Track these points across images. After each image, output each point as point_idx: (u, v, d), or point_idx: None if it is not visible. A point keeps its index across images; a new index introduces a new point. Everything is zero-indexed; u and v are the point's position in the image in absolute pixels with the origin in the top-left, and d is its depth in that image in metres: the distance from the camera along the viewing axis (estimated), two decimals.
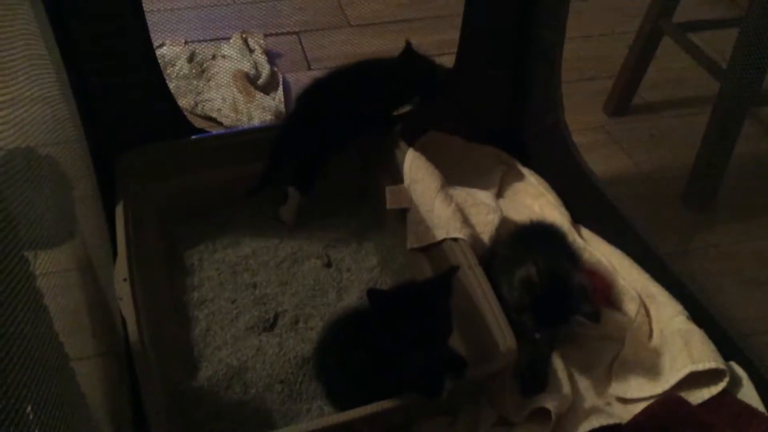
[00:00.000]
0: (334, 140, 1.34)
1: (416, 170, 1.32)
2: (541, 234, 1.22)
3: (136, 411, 0.98)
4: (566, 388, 1.08)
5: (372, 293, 0.92)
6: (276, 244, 1.36)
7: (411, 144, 1.37)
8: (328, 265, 1.33)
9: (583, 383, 1.12)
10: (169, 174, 1.36)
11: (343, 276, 1.31)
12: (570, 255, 1.17)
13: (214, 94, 1.80)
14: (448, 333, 0.95)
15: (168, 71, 1.87)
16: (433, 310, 0.94)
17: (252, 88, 1.82)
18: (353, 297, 1.26)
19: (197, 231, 1.37)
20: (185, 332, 1.20)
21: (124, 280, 1.10)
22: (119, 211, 1.22)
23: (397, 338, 0.92)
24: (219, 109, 1.77)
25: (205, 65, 1.91)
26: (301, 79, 1.95)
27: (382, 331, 0.93)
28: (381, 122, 1.38)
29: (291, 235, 1.37)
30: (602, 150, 1.78)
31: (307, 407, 1.09)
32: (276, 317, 1.22)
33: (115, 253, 1.16)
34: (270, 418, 1.07)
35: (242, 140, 1.42)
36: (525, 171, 1.54)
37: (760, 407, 1.06)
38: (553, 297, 1.02)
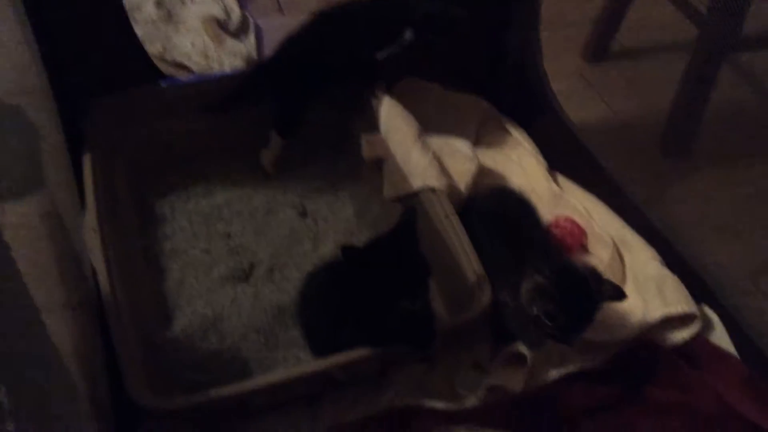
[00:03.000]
0: (316, 84, 1.31)
1: (393, 118, 1.30)
2: (508, 210, 1.18)
3: (110, 362, 0.97)
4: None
5: (346, 250, 0.91)
6: (250, 193, 1.33)
7: (387, 91, 1.35)
8: (304, 214, 1.31)
9: None
10: (138, 123, 1.32)
11: (318, 226, 1.30)
12: (538, 227, 1.16)
13: (183, 40, 1.75)
14: (428, 278, 0.95)
15: (135, 16, 1.80)
16: (408, 258, 0.94)
17: (222, 33, 1.77)
18: (329, 247, 1.25)
19: (168, 180, 1.34)
20: (158, 283, 1.18)
21: (94, 230, 1.08)
22: (87, 160, 1.19)
23: (380, 292, 0.92)
24: (189, 55, 1.72)
25: (173, 9, 1.84)
26: (273, 24, 1.90)
27: (364, 286, 0.93)
28: (365, 66, 1.34)
29: (265, 185, 1.35)
30: (580, 97, 1.77)
31: (283, 355, 1.09)
32: (251, 267, 1.21)
33: (83, 204, 1.13)
34: (246, 367, 1.07)
35: (213, 87, 1.37)
36: (503, 119, 1.53)
37: (732, 350, 1.08)
38: (576, 299, 0.95)
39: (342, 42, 1.28)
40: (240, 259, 1.22)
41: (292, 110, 1.33)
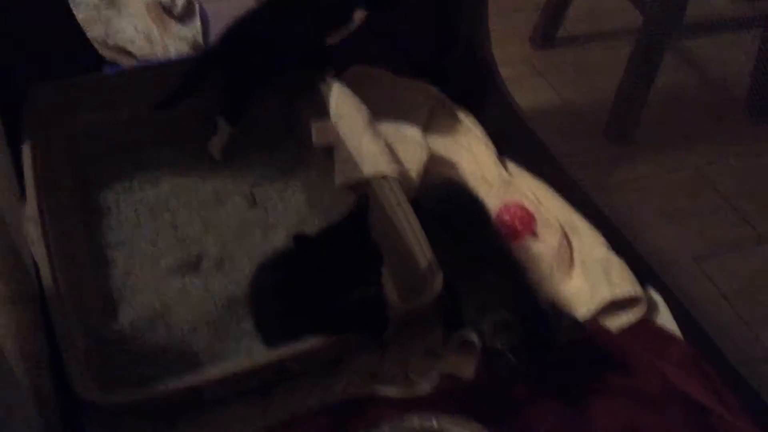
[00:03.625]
0: (265, 70, 1.29)
1: (343, 105, 1.29)
2: (456, 206, 1.18)
3: (55, 358, 0.95)
4: None
5: (298, 239, 0.90)
6: (197, 183, 1.31)
7: (337, 77, 1.33)
8: (254, 204, 1.29)
9: None
10: (80, 110, 1.28)
11: (269, 215, 1.28)
12: (485, 220, 1.17)
13: (126, 24, 1.69)
14: (381, 265, 0.95)
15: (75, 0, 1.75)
16: (361, 245, 0.94)
17: (167, 18, 1.72)
18: (280, 237, 1.23)
19: (112, 170, 1.30)
20: (104, 275, 1.15)
21: (35, 222, 1.05)
22: (26, 149, 1.15)
23: (332, 280, 0.92)
24: (132, 41, 1.66)
25: None
26: (220, 9, 1.86)
27: (316, 275, 0.92)
28: (315, 51, 1.33)
29: (213, 174, 1.33)
30: (528, 83, 1.79)
31: (234, 348, 1.07)
32: (200, 258, 1.19)
33: (23, 195, 1.09)
34: (197, 359, 1.05)
35: (158, 73, 1.34)
36: (453, 106, 1.53)
37: (677, 332, 1.11)
38: (539, 337, 0.98)
39: (291, 26, 1.26)
40: (188, 250, 1.19)
41: (241, 96, 1.30)
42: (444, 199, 1.20)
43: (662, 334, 1.11)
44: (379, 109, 1.34)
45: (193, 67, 1.29)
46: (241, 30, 1.28)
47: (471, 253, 1.08)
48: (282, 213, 1.28)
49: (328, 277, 0.92)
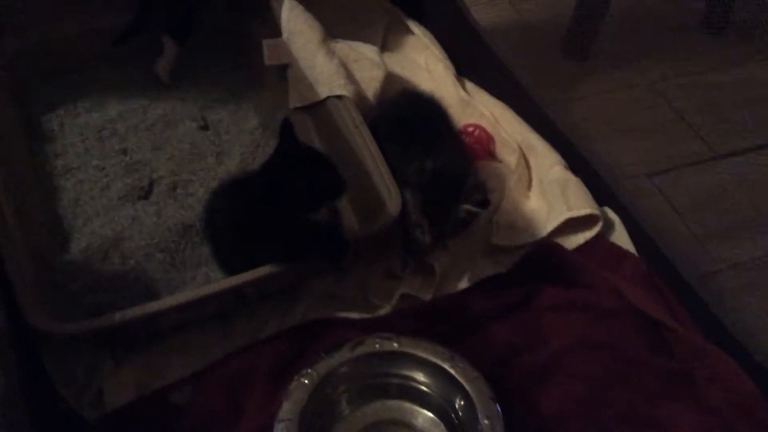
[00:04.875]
0: None
1: (294, 22, 1.25)
2: (422, 112, 1.17)
3: (5, 288, 0.92)
4: (449, 243, 1.10)
5: (285, 122, 0.91)
6: (145, 105, 1.26)
7: None
8: (205, 127, 1.25)
9: (466, 236, 1.14)
10: (18, 27, 1.22)
11: (221, 138, 1.24)
12: (451, 134, 1.15)
13: None
14: (340, 187, 0.94)
15: None
16: (325, 167, 0.93)
17: None
18: (234, 161, 1.20)
19: (55, 92, 1.25)
20: (52, 204, 1.12)
21: None
22: None
23: (292, 205, 0.91)
24: None
25: None
26: None
27: (274, 200, 0.91)
28: None
29: (162, 96, 1.28)
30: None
31: (191, 275, 1.06)
32: (151, 184, 1.15)
33: None
34: (153, 287, 1.04)
35: None
36: (409, 22, 1.49)
37: (631, 248, 1.13)
38: (439, 187, 0.99)
39: None
40: (139, 176, 1.16)
41: (186, 12, 1.24)
42: (406, 104, 1.18)
43: (616, 250, 1.13)
44: (333, 27, 1.30)
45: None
46: None
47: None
48: (235, 136, 1.25)
49: (286, 202, 0.91)
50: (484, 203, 0.99)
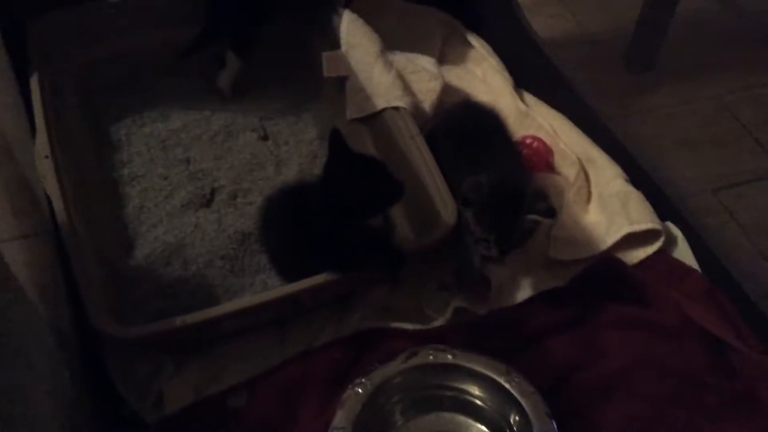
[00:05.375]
0: (277, 1, 1.26)
1: (353, 34, 1.26)
2: (479, 124, 1.16)
3: (71, 292, 0.95)
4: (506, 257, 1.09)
5: (334, 133, 0.90)
6: (208, 116, 1.29)
7: (347, 5, 1.29)
8: (265, 137, 1.28)
9: (524, 249, 1.13)
10: (87, 41, 1.26)
11: (281, 149, 1.26)
12: (509, 147, 1.14)
13: None
14: (399, 193, 0.94)
15: None
16: (381, 171, 0.93)
17: None
18: (292, 171, 1.22)
19: (122, 103, 1.29)
20: (118, 210, 1.15)
21: (46, 157, 1.05)
22: (34, 83, 1.14)
23: (351, 213, 0.92)
24: None
25: None
26: None
27: (332, 208, 0.92)
28: None
29: (224, 107, 1.31)
30: (546, 10, 1.73)
31: (250, 282, 1.07)
32: (212, 193, 1.18)
33: (33, 131, 1.08)
34: (213, 293, 1.06)
35: (164, 3, 1.31)
36: (467, 34, 1.49)
37: (695, 265, 1.10)
38: (501, 200, 0.97)
39: None
40: (201, 185, 1.18)
41: (251, 29, 1.27)
42: (464, 116, 1.18)
43: (679, 266, 1.10)
44: (391, 39, 1.30)
45: (209, 11, 1.26)
46: None
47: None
48: (294, 147, 1.27)
49: (343, 211, 0.92)
50: (549, 211, 0.96)
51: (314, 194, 0.96)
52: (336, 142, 0.92)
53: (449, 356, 0.91)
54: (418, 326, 1.02)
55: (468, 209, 0.99)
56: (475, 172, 1.00)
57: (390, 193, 0.94)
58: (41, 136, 1.07)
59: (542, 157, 1.25)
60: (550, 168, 1.26)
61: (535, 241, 1.13)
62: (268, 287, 1.07)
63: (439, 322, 1.03)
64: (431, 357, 0.91)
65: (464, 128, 1.14)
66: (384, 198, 0.95)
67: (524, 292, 1.06)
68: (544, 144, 1.26)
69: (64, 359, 0.88)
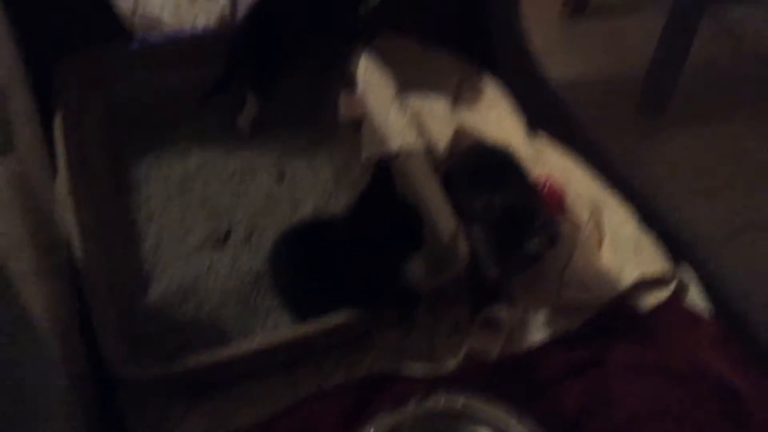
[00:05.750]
0: (296, 44, 1.28)
1: (370, 77, 1.28)
2: (493, 162, 1.19)
3: (86, 329, 0.96)
4: (518, 299, 1.09)
5: (380, 163, 0.92)
6: (225, 156, 1.31)
7: (365, 49, 1.32)
8: (281, 177, 1.29)
9: (534, 291, 1.13)
10: (109, 82, 1.29)
11: (296, 189, 1.27)
12: (521, 176, 1.16)
13: None
14: (421, 229, 0.95)
15: None
16: (395, 213, 0.94)
17: None
18: (308, 210, 1.23)
19: (142, 143, 1.31)
20: (133, 248, 1.17)
21: (66, 195, 1.06)
22: (58, 122, 1.16)
23: (375, 251, 0.92)
24: (160, 13, 1.66)
25: None
26: None
27: (356, 246, 0.92)
28: (346, 23, 1.31)
29: (241, 147, 1.33)
30: (559, 53, 1.75)
31: (262, 322, 1.08)
32: (228, 232, 1.19)
33: (55, 169, 1.11)
34: (225, 333, 1.06)
35: (186, 45, 1.35)
36: (481, 76, 1.51)
37: (708, 309, 1.09)
38: (510, 221, 1.01)
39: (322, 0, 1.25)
40: (217, 224, 1.20)
41: (271, 72, 1.29)
42: (479, 156, 1.20)
43: (692, 312, 1.09)
44: (407, 81, 1.33)
45: (231, 54, 1.29)
46: (271, 4, 1.26)
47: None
48: (310, 187, 1.28)
49: (365, 250, 0.92)
50: (553, 239, 0.98)
51: (338, 227, 0.97)
52: (382, 174, 0.93)
53: (460, 401, 0.90)
54: (430, 370, 1.02)
55: (476, 227, 1.01)
56: (487, 196, 1.02)
57: (414, 243, 0.95)
58: (62, 174, 1.09)
59: (555, 199, 1.25)
60: (563, 210, 1.26)
61: (546, 282, 1.13)
62: (281, 328, 1.07)
63: (451, 366, 1.02)
64: (443, 402, 0.91)
65: (479, 166, 1.16)
66: (409, 248, 0.95)
67: (536, 335, 1.06)
68: (557, 186, 1.27)
69: (76, 398, 0.89)
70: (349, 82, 1.29)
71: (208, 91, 1.30)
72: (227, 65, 1.29)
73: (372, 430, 0.88)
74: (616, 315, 1.09)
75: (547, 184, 1.27)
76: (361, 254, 0.94)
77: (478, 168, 1.16)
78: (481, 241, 1.01)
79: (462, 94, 1.48)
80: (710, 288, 1.11)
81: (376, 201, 0.94)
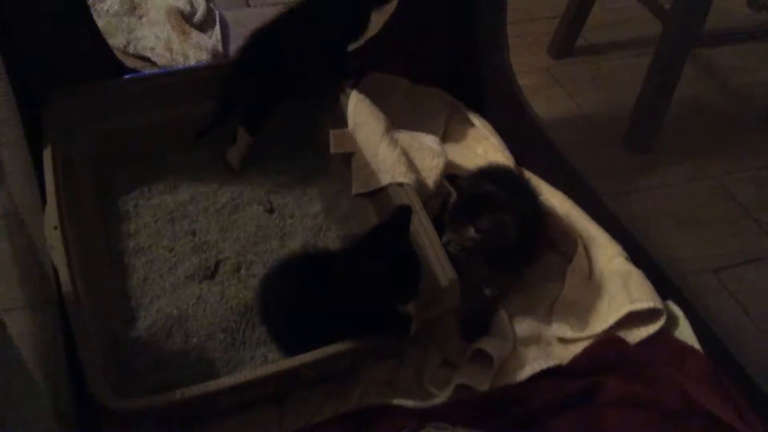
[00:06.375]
0: (287, 81, 1.30)
1: (360, 113, 1.29)
2: (503, 176, 1.20)
3: (72, 363, 0.95)
4: (508, 333, 1.09)
5: (402, 209, 0.95)
6: (215, 189, 1.31)
7: (354, 85, 1.34)
8: (271, 211, 1.30)
9: (524, 326, 1.13)
10: (100, 116, 1.29)
11: (286, 222, 1.28)
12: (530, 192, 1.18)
13: (147, 32, 1.72)
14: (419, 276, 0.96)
15: (97, 8, 1.77)
16: (399, 254, 0.95)
17: (187, 26, 1.74)
18: (297, 244, 1.23)
19: (131, 176, 1.31)
20: (122, 281, 1.16)
21: (55, 228, 1.06)
22: (47, 155, 1.16)
23: (370, 287, 0.93)
24: (152, 48, 1.69)
25: (136, 1, 1.81)
26: (239, 17, 1.87)
27: (350, 281, 0.93)
28: (336, 59, 1.33)
29: (231, 181, 1.33)
30: (546, 92, 1.78)
31: (250, 355, 1.07)
32: (217, 265, 1.19)
33: (44, 201, 1.11)
34: (212, 366, 1.05)
35: (177, 80, 1.36)
36: (470, 114, 1.53)
37: (696, 345, 1.09)
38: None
39: (313, 35, 1.27)
40: (206, 257, 1.20)
41: (262, 107, 1.31)
42: (489, 176, 1.20)
43: (681, 346, 1.09)
44: (397, 117, 1.34)
45: (224, 92, 1.30)
46: (262, 40, 1.28)
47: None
48: (299, 220, 1.28)
49: (359, 289, 0.93)
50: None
51: (337, 258, 0.98)
52: (401, 220, 0.94)
53: None
54: (419, 403, 1.01)
55: (479, 236, 1.02)
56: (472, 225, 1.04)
57: (409, 294, 0.96)
58: (51, 207, 1.09)
59: (543, 236, 1.26)
60: (552, 246, 1.27)
61: (536, 316, 1.13)
62: (268, 361, 1.06)
63: (440, 399, 1.02)
64: None
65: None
66: (401, 295, 0.96)
67: (526, 370, 1.05)
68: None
69: (62, 430, 0.87)
70: (339, 118, 1.31)
71: (200, 130, 1.31)
72: (222, 100, 1.30)
73: None
74: (606, 349, 1.09)
75: None
76: (354, 292, 0.94)
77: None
78: (481, 272, 1.02)
79: (451, 131, 1.50)
80: (698, 323, 1.12)
81: (384, 242, 0.95)
